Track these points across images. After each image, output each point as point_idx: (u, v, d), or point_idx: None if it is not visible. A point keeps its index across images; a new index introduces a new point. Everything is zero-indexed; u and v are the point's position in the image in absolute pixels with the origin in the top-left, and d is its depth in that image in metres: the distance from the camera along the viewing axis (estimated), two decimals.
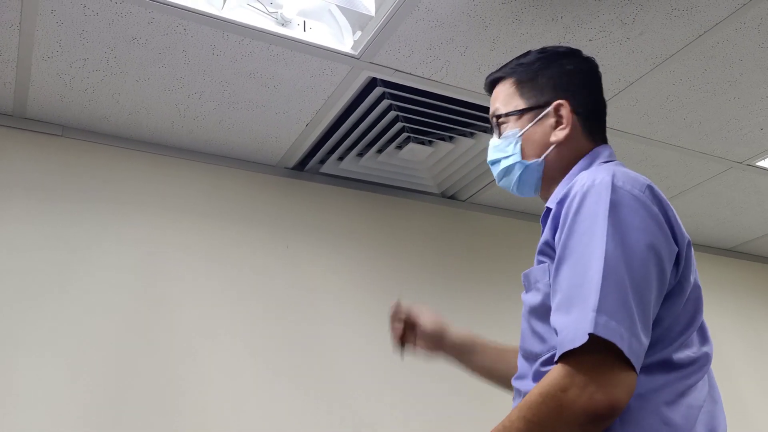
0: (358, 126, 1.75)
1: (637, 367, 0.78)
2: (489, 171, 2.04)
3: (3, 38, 1.38)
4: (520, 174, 1.09)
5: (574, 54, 1.10)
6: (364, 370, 1.82)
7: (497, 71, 1.12)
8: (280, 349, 1.73)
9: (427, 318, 1.18)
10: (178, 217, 1.76)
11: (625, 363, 0.77)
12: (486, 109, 1.72)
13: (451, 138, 1.84)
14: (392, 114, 1.70)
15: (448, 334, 1.18)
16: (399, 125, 1.74)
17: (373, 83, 1.60)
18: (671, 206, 0.91)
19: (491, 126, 1.11)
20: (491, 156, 1.10)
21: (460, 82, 1.59)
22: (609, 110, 1.71)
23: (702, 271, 2.85)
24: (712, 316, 2.54)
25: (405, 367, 1.88)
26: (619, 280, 0.80)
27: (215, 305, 1.70)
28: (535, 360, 0.94)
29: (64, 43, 1.40)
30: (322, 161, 1.94)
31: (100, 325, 1.56)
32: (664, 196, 0.91)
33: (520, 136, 1.08)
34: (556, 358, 0.80)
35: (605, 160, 1.03)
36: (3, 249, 1.53)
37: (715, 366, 2.53)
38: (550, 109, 1.06)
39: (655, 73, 1.58)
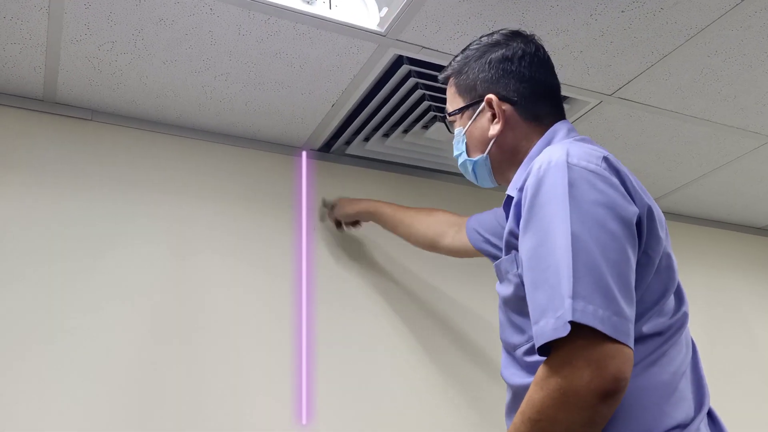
0: (384, 106, 1.74)
1: (627, 341, 0.76)
2: None
3: (32, 22, 1.39)
4: (472, 169, 1.12)
5: (504, 41, 1.09)
6: (391, 348, 1.83)
7: (444, 69, 1.17)
8: (310, 333, 1.74)
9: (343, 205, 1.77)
10: (206, 199, 1.76)
11: (614, 340, 0.75)
12: None
13: None
14: (419, 93, 1.68)
15: (353, 209, 1.77)
16: (425, 104, 1.73)
17: (399, 61, 1.59)
18: (631, 175, 0.90)
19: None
20: (453, 152, 1.15)
21: None
22: (641, 85, 1.69)
23: (734, 251, 2.79)
24: (744, 294, 2.50)
25: (433, 352, 1.88)
26: (589, 259, 0.77)
27: (243, 287, 1.71)
28: (515, 350, 0.95)
29: (92, 25, 1.41)
30: (348, 142, 1.93)
31: (129, 309, 1.58)
32: (622, 165, 0.89)
33: (464, 134, 1.10)
34: (537, 347, 0.78)
35: (563, 138, 1.01)
36: (34, 232, 1.55)
37: (745, 347, 2.52)
38: (483, 104, 1.07)
39: (689, 45, 1.54)
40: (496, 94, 1.06)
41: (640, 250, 0.85)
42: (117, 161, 1.70)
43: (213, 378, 1.59)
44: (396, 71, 1.61)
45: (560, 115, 1.09)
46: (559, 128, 1.05)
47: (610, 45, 1.53)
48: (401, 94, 1.69)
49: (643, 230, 0.85)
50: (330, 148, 1.95)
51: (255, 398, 1.61)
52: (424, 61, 1.58)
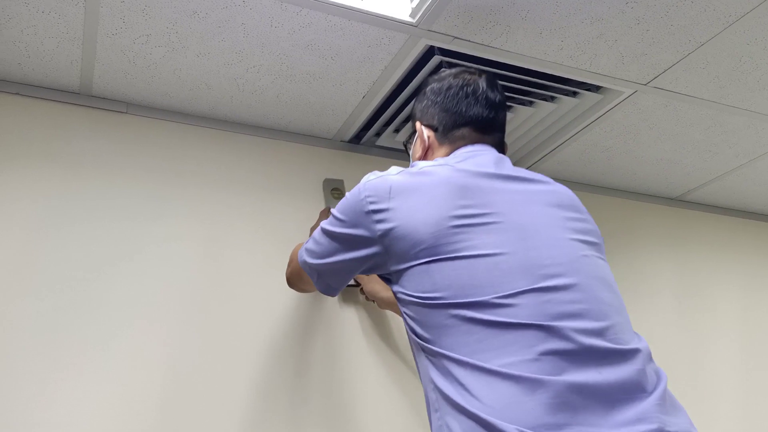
0: (414, 97, 1.73)
1: (311, 276, 1.25)
2: (547, 141, 2.00)
3: (69, 15, 1.42)
4: None
5: (444, 76, 1.28)
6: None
7: None
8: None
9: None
10: (238, 191, 1.78)
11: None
12: (545, 75, 1.68)
13: (509, 107, 1.80)
14: None
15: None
16: None
17: (430, 52, 1.58)
18: (408, 193, 1.07)
19: None
20: None
21: (520, 48, 1.55)
22: (677, 74, 1.66)
23: None
24: None
25: None
26: (317, 240, 1.21)
27: (274, 279, 1.73)
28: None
29: (128, 19, 1.43)
30: (378, 134, 1.93)
31: (161, 301, 1.60)
32: (395, 188, 1.08)
33: (411, 159, 1.31)
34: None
35: (442, 160, 1.16)
36: (70, 224, 1.58)
37: (762, 342, 2.21)
38: (417, 132, 1.27)
39: (727, 33, 1.50)
40: (423, 122, 1.25)
41: (375, 254, 1.09)
42: (151, 153, 1.72)
43: (231, 376, 1.61)
44: (427, 62, 1.60)
45: (480, 140, 1.21)
46: (455, 152, 1.19)
47: (645, 33, 1.50)
48: None
49: (377, 243, 1.08)
50: (360, 139, 1.95)
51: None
52: (456, 52, 1.57)
